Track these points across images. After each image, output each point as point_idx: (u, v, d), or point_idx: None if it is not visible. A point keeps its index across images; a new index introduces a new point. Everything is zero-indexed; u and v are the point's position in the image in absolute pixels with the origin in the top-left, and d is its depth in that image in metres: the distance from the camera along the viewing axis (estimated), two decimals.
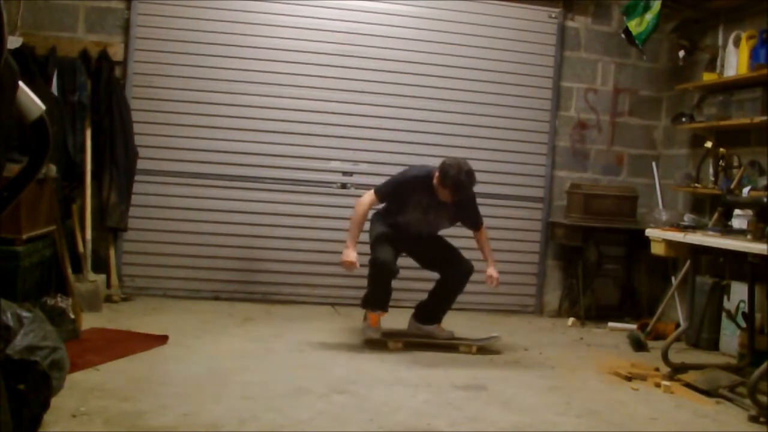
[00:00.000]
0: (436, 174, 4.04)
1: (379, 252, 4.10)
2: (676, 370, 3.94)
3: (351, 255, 4.06)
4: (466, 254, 4.37)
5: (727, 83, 4.91)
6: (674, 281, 5.24)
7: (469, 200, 4.26)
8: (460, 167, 3.98)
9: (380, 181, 5.36)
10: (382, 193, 4.20)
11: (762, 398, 3.41)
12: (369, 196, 4.21)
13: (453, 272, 4.25)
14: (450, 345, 4.23)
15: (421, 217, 4.21)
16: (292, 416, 2.90)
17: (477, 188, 5.18)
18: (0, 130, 1.49)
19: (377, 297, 4.18)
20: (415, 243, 4.30)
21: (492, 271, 4.26)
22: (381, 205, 4.30)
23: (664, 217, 5.27)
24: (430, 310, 4.35)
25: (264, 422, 2.82)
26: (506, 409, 3.22)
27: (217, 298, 5.22)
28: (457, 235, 4.52)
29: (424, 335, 4.30)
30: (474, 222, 4.37)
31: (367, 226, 4.31)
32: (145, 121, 5.12)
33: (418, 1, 5.48)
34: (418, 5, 5.48)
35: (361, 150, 5.45)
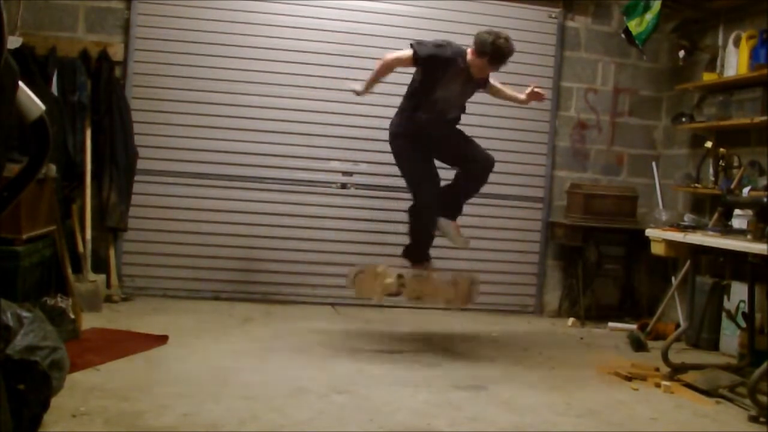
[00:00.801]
0: (469, 50, 3.95)
1: (422, 195, 4.10)
2: (676, 370, 3.94)
3: (356, 86, 4.09)
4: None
5: (727, 83, 4.91)
6: (674, 281, 5.24)
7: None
8: (497, 34, 3.89)
9: (380, 181, 5.41)
10: (421, 54, 3.95)
11: (762, 398, 3.41)
12: (405, 52, 3.99)
13: (475, 165, 4.19)
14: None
15: (449, 96, 4.07)
16: (292, 416, 2.90)
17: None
18: (0, 130, 1.49)
19: (425, 245, 4.19)
20: (439, 142, 4.18)
21: (523, 94, 4.31)
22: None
23: (664, 217, 5.28)
24: (449, 203, 4.26)
25: (264, 422, 2.81)
26: (506, 409, 3.22)
27: (217, 298, 5.22)
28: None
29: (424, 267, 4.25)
30: (485, 85, 4.31)
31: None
32: (145, 121, 5.12)
33: (418, 1, 5.48)
34: (418, 5, 5.48)
35: (361, 150, 5.45)
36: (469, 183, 4.25)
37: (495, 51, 3.88)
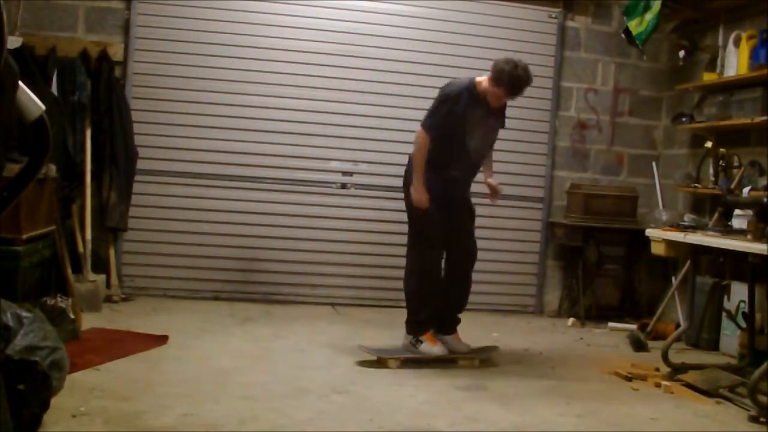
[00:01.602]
0: (481, 78, 3.86)
1: (426, 260, 3.93)
2: (676, 370, 3.94)
3: (420, 195, 3.82)
4: None
5: (728, 83, 4.91)
6: (674, 281, 5.24)
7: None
8: (516, 62, 3.77)
9: (380, 181, 5.41)
10: (435, 123, 3.83)
11: (762, 398, 3.40)
12: (421, 139, 3.83)
13: (463, 259, 4.07)
14: (450, 359, 3.97)
15: (480, 137, 3.92)
16: (292, 416, 2.90)
17: (478, 188, 5.21)
18: (0, 130, 1.49)
19: (428, 315, 3.94)
20: (458, 207, 4.04)
21: (493, 180, 4.15)
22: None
23: (664, 217, 5.27)
24: (447, 319, 4.11)
25: (264, 422, 2.81)
26: (506, 409, 3.22)
27: (217, 299, 5.22)
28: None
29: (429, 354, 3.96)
30: (503, 120, 4.14)
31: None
32: (145, 121, 5.12)
33: (418, 1, 5.48)
34: (418, 5, 5.48)
35: (361, 150, 5.45)
36: (455, 286, 4.07)
37: (512, 81, 3.77)
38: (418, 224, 3.97)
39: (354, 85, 5.40)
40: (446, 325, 4.09)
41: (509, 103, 4.08)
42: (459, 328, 4.16)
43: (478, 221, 5.47)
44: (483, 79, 3.90)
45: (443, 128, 3.84)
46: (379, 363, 3.80)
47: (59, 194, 4.42)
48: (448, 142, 3.88)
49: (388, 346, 4.07)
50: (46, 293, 3.84)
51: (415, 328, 3.96)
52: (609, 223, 5.46)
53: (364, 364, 3.80)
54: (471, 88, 3.89)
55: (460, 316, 4.17)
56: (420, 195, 3.84)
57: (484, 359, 4.01)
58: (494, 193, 4.20)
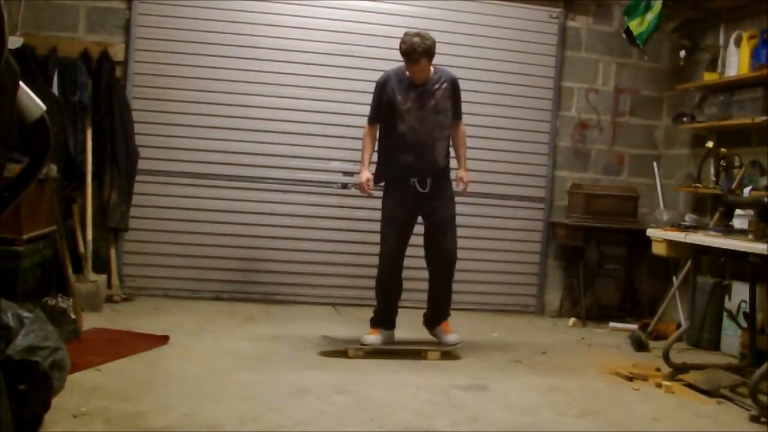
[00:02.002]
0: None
1: (383, 263, 4.08)
2: (678, 370, 3.94)
3: (363, 175, 4.07)
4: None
5: (728, 83, 4.90)
6: (675, 281, 5.23)
7: (451, 89, 4.12)
8: (407, 32, 3.97)
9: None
10: (372, 116, 4.13)
11: (763, 398, 3.40)
12: (366, 127, 4.16)
13: (440, 258, 4.10)
14: (416, 351, 4.05)
15: (415, 119, 4.00)
16: (293, 416, 2.90)
17: (479, 188, 5.22)
18: (1, 130, 1.49)
19: (387, 312, 4.11)
20: (426, 202, 4.05)
21: (463, 173, 4.18)
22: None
23: (665, 217, 5.27)
24: (433, 311, 4.24)
25: (264, 422, 2.81)
26: (507, 409, 3.22)
27: (217, 299, 5.22)
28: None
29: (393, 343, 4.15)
30: (455, 111, 4.16)
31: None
32: (146, 121, 5.12)
33: (418, 1, 5.48)
34: (418, 5, 5.48)
35: (360, 150, 5.42)
36: (438, 286, 4.16)
37: (406, 49, 3.92)
38: (381, 223, 4.14)
39: (354, 85, 5.39)
40: (431, 320, 4.22)
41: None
42: (459, 328, 4.18)
43: (478, 221, 5.52)
44: None
45: (383, 117, 4.08)
46: (339, 353, 3.90)
47: (60, 194, 4.43)
48: (390, 128, 4.06)
49: (353, 337, 4.14)
50: (47, 293, 3.84)
51: (371, 320, 4.17)
52: (610, 223, 5.45)
53: (327, 354, 3.85)
54: (399, 71, 4.07)
55: (450, 311, 4.26)
56: (360, 178, 4.07)
57: (445, 352, 4.07)
58: (462, 186, 4.19)
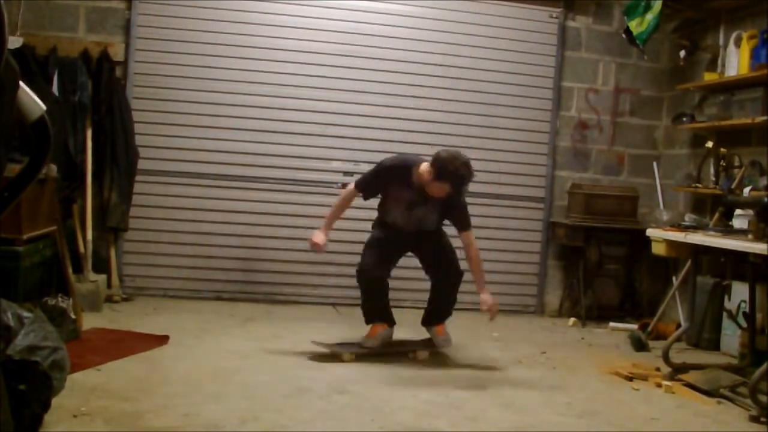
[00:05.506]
0: (424, 166, 3.80)
1: (362, 259, 4.03)
2: (677, 370, 3.94)
3: (317, 236, 3.93)
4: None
5: (728, 83, 4.90)
6: (675, 281, 5.23)
7: (459, 196, 3.92)
8: (457, 158, 3.72)
9: None
10: (361, 184, 4.03)
11: (763, 398, 3.40)
12: (351, 186, 4.06)
13: (445, 281, 4.07)
14: (401, 352, 4.02)
15: (404, 213, 3.95)
16: (293, 416, 2.90)
17: (478, 188, 5.22)
18: (1, 130, 1.49)
19: (369, 308, 4.06)
20: (416, 241, 4.09)
21: (486, 296, 3.95)
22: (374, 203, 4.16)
23: (665, 217, 5.27)
24: (433, 310, 4.19)
25: (265, 422, 2.81)
26: (507, 409, 3.22)
27: (218, 299, 5.22)
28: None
29: (395, 344, 4.11)
30: (461, 221, 3.96)
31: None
32: (146, 121, 5.12)
33: (418, 1, 5.48)
34: (418, 5, 5.48)
35: (361, 150, 5.45)
36: (441, 299, 4.11)
37: (452, 178, 3.71)
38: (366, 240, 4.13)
39: (354, 85, 5.40)
40: (428, 319, 4.16)
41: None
42: (459, 328, 4.16)
43: (478, 221, 5.47)
44: (425, 167, 3.82)
45: (372, 190, 4.03)
46: (333, 357, 3.86)
47: (60, 194, 4.42)
48: (382, 203, 4.05)
49: (351, 339, 4.13)
50: (47, 293, 3.85)
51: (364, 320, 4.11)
52: (610, 223, 5.45)
53: (318, 358, 3.81)
54: (406, 168, 3.89)
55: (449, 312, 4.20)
56: (313, 238, 3.92)
57: (432, 352, 4.07)
58: (485, 308, 3.96)
